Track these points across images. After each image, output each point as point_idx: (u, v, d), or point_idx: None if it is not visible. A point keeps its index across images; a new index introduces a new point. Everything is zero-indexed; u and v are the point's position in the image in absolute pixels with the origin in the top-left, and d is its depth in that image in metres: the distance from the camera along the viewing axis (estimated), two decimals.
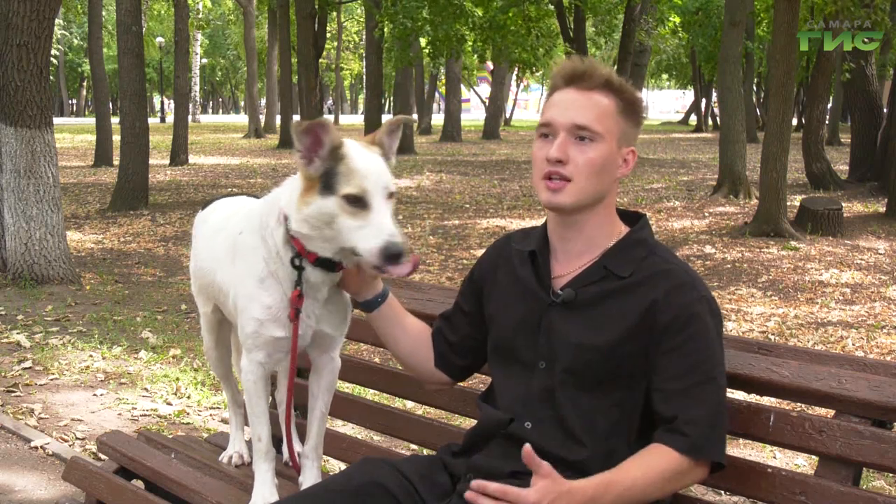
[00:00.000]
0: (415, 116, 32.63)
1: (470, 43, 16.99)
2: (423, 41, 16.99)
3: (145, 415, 4.38)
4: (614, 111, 1.72)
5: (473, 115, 51.87)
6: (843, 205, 10.79)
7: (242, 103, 62.64)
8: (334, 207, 1.77)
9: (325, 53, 31.21)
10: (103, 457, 2.63)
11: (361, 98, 53.92)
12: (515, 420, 1.74)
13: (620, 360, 1.68)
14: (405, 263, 1.73)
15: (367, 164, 1.79)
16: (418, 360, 2.00)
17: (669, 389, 1.65)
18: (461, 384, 2.10)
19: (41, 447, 3.88)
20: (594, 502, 1.55)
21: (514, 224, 10.95)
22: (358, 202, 1.75)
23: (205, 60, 50.86)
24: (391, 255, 1.71)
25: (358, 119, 45.81)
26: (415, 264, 1.75)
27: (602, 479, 1.57)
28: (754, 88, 33.37)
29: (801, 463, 3.80)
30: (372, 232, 1.73)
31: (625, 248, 1.76)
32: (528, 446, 1.49)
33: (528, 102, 68.50)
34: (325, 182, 1.78)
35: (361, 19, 38.04)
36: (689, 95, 52.19)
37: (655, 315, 1.67)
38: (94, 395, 4.66)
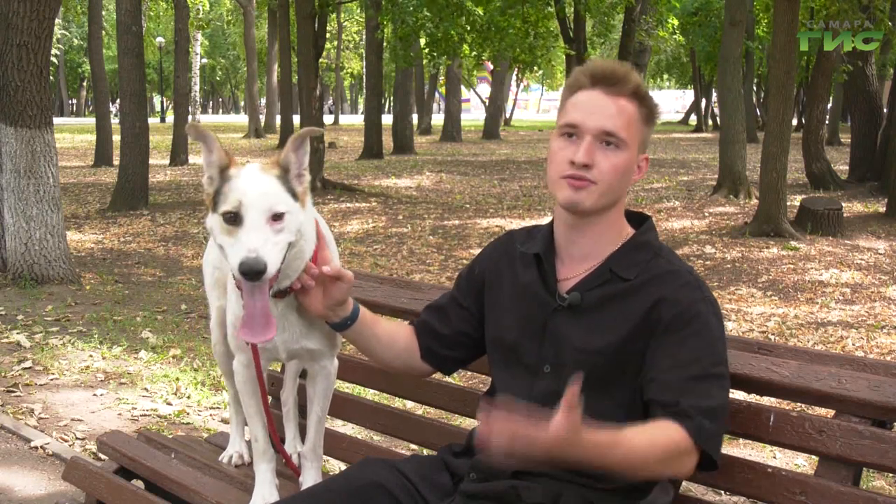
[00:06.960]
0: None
1: (468, 45, 16.96)
2: (422, 41, 16.97)
3: (145, 415, 4.38)
4: (638, 119, 1.73)
5: (473, 115, 51.80)
6: (843, 205, 10.79)
7: (242, 103, 62.60)
8: (216, 226, 1.76)
9: (325, 53, 31.19)
10: (103, 457, 2.63)
11: (361, 98, 53.85)
12: None
13: (625, 361, 1.68)
14: (259, 311, 1.70)
15: (248, 183, 1.75)
16: (400, 363, 1.97)
17: (668, 379, 1.61)
18: (462, 385, 2.11)
19: (41, 447, 3.88)
20: (599, 457, 1.48)
21: (514, 224, 10.94)
22: (234, 219, 1.72)
23: (205, 60, 50.79)
24: (248, 270, 1.65)
25: (358, 119, 45.76)
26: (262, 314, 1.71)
27: (610, 437, 1.49)
28: (754, 88, 33.35)
29: (801, 463, 3.80)
30: (237, 248, 1.69)
31: (630, 250, 1.76)
32: (572, 390, 1.37)
33: (528, 102, 68.50)
34: (214, 201, 1.78)
35: (361, 19, 37.98)
36: (688, 95, 52.12)
37: (659, 313, 1.66)
38: (94, 395, 4.66)
